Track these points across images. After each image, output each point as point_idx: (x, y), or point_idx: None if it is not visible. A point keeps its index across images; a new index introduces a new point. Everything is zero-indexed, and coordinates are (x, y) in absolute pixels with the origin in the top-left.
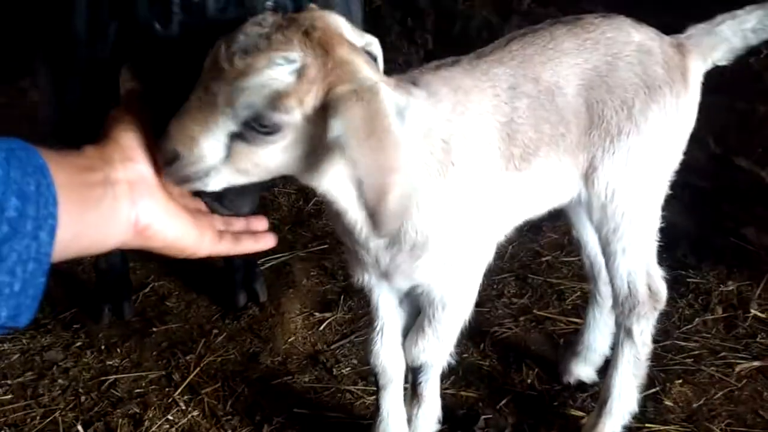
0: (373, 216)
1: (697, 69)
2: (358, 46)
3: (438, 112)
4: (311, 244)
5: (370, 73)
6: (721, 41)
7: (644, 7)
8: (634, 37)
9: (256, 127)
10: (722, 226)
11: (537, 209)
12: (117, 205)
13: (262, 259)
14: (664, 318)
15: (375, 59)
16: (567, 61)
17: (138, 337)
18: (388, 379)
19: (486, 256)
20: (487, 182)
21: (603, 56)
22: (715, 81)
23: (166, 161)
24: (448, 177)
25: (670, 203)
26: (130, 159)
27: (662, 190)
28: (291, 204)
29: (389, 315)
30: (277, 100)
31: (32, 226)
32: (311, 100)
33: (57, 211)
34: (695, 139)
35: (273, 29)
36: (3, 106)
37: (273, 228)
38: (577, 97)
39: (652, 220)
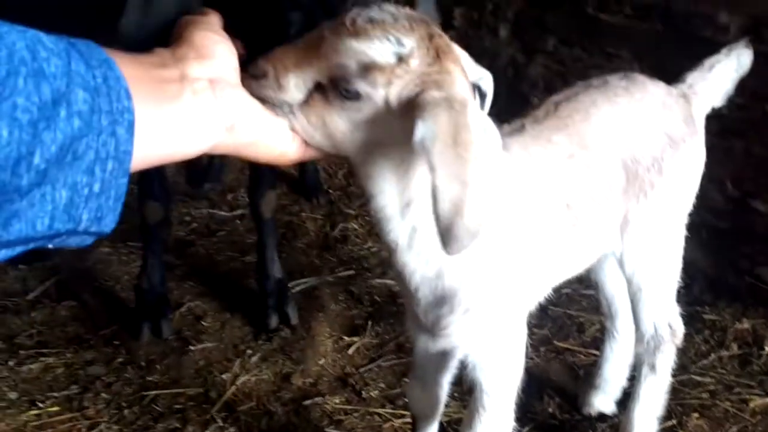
0: (447, 230)
1: (702, 115)
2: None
3: (516, 175)
4: (338, 269)
5: (466, 92)
6: (717, 86)
7: (662, 50)
8: (657, 96)
9: (339, 87)
10: (738, 266)
11: (578, 269)
12: (199, 101)
13: (293, 283)
14: (681, 353)
15: (484, 96)
16: (607, 124)
17: (176, 355)
18: (426, 421)
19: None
20: (543, 248)
21: (635, 117)
22: (733, 126)
23: (253, 74)
24: (515, 245)
25: (688, 242)
26: (206, 56)
27: (683, 231)
28: (318, 229)
29: (430, 363)
30: (369, 69)
31: (108, 121)
32: (400, 87)
33: (132, 105)
34: (714, 181)
35: (404, 16)
36: None
37: (301, 253)
38: (617, 159)
39: (678, 262)
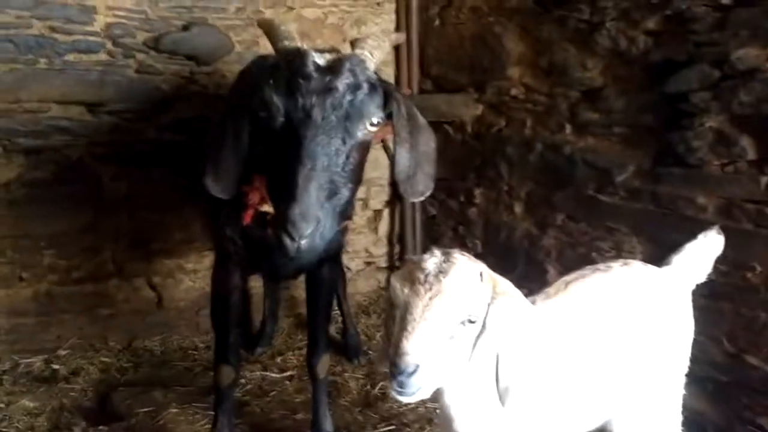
0: (506, 391)
1: (688, 291)
2: None
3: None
4: (379, 425)
5: (509, 285)
6: (697, 266)
7: (654, 225)
8: (652, 281)
9: (465, 323)
10: (742, 416)
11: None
12: None
13: None
14: None
15: None
16: (608, 304)
17: None
18: None
19: None
20: (559, 405)
21: (632, 298)
22: (722, 291)
23: (407, 374)
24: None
25: (697, 395)
26: None
27: (681, 391)
28: (360, 388)
29: None
30: (478, 298)
31: None
32: (489, 293)
33: None
34: (712, 339)
35: (446, 256)
36: None
37: (345, 410)
38: (617, 335)
39: (677, 416)
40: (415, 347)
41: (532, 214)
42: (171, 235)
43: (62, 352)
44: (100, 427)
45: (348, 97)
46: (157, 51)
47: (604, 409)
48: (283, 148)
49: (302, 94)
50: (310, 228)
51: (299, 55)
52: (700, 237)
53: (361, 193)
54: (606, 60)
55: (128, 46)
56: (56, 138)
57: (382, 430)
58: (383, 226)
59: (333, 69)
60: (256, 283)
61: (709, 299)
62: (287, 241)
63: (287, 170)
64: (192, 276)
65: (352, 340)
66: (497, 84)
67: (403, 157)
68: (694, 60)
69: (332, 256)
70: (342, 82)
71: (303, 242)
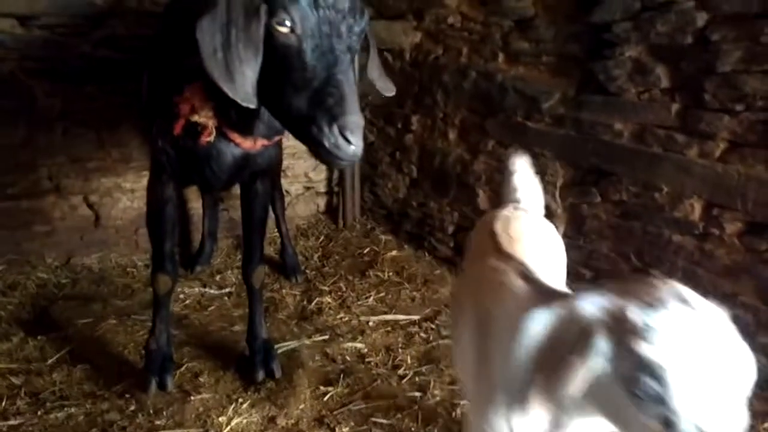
0: None
1: (540, 212)
2: None
3: None
4: (314, 335)
5: None
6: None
7: (576, 150)
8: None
9: None
10: None
11: None
12: None
13: (276, 346)
14: None
15: None
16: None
17: (179, 404)
18: None
19: None
20: None
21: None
22: (632, 210)
23: None
24: None
25: None
26: None
27: None
28: (296, 303)
29: None
30: None
31: None
32: None
33: None
34: (623, 255)
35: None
36: None
37: (282, 323)
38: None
39: None
40: None
41: (465, 140)
42: (108, 153)
43: None
44: (39, 337)
45: (352, 12)
46: None
47: None
48: (308, 63)
49: (328, 8)
50: (361, 135)
51: None
52: (515, 167)
53: None
54: None
55: None
56: None
57: (316, 339)
58: None
59: None
60: (195, 204)
61: (620, 218)
62: (345, 147)
63: (323, 84)
64: (130, 195)
65: (290, 259)
66: (435, 11)
67: (374, 60)
68: None
69: (266, 170)
70: None
71: (359, 149)
